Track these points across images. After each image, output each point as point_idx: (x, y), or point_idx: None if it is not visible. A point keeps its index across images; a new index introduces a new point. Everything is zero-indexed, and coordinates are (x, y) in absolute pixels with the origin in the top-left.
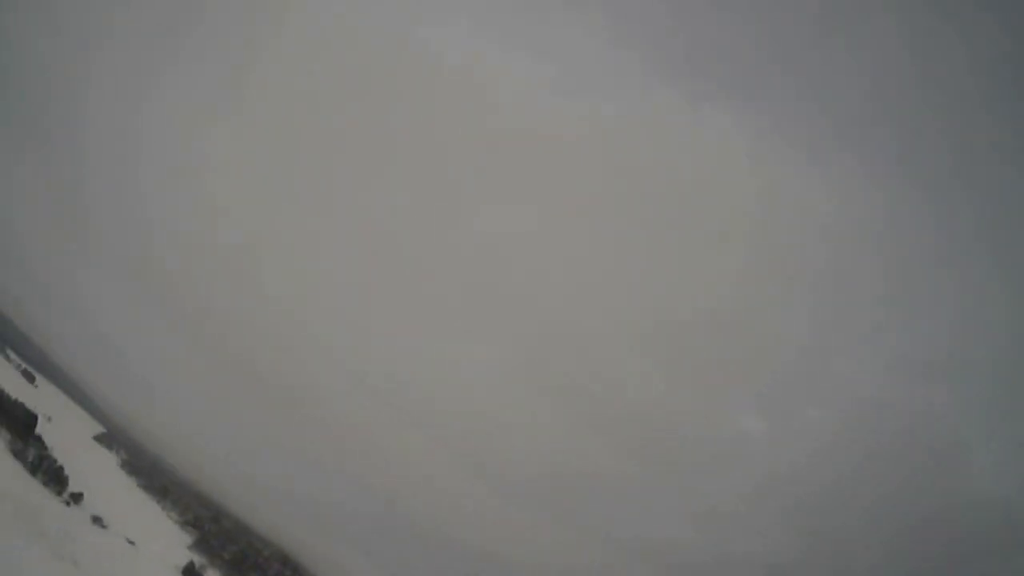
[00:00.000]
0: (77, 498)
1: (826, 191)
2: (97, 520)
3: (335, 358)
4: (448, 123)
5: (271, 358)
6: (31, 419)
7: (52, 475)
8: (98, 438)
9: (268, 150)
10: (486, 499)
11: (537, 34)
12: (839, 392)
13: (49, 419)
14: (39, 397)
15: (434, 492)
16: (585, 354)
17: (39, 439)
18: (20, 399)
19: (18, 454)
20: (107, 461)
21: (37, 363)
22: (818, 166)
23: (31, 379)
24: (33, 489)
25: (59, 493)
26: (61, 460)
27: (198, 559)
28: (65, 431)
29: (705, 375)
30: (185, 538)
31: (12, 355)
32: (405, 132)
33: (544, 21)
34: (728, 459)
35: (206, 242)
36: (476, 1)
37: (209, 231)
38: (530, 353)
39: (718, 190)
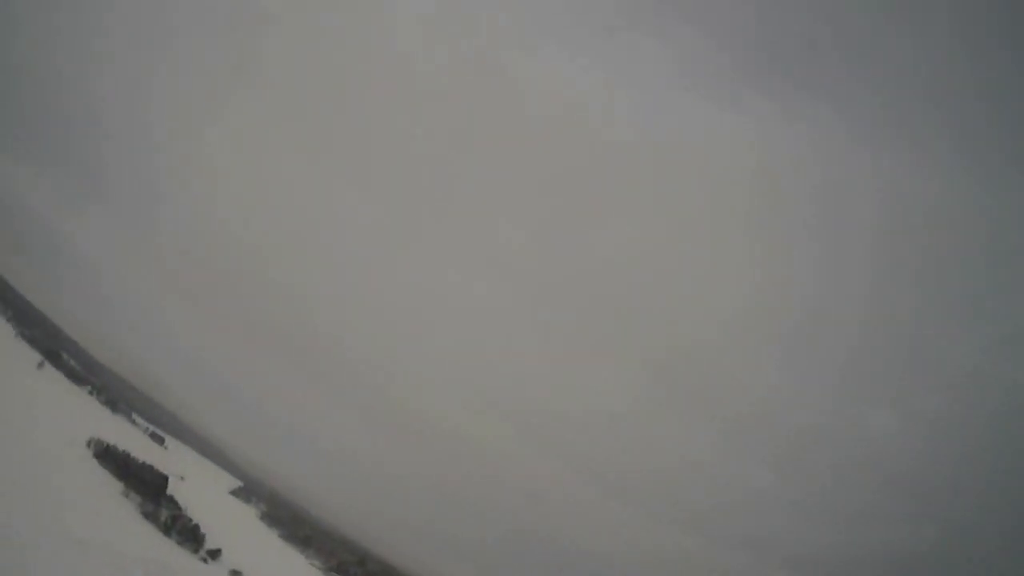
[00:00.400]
0: (215, 554)
1: (930, 180)
2: (236, 575)
3: (464, 386)
4: (562, 149)
5: (401, 394)
6: (161, 480)
7: (187, 534)
8: (235, 492)
9: (399, 202)
10: (622, 516)
11: (624, 59)
12: (960, 374)
13: (182, 478)
14: (170, 458)
15: (570, 512)
16: (709, 361)
17: (172, 499)
18: (149, 462)
19: (150, 516)
20: (246, 515)
21: (166, 425)
22: (923, 157)
23: (160, 441)
24: (168, 549)
25: (196, 551)
26: (196, 518)
27: None
28: (199, 489)
29: (828, 371)
30: None
31: (139, 420)
32: (524, 160)
33: (625, 46)
34: (858, 452)
35: (331, 286)
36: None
37: (338, 281)
38: (658, 367)
39: (823, 190)
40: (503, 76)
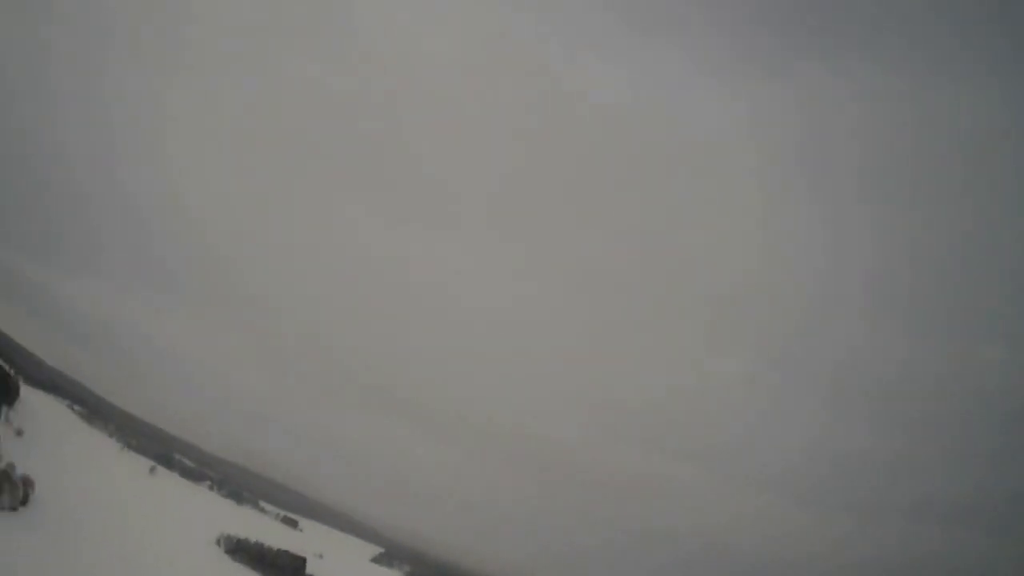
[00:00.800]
0: None
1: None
2: None
3: (583, 406)
4: (623, 150)
5: (522, 427)
6: (298, 563)
7: None
8: (377, 559)
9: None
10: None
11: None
12: None
13: (320, 557)
14: (306, 539)
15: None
16: (825, 336)
17: None
18: (283, 547)
19: None
20: None
21: (297, 506)
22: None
23: (294, 524)
24: None
25: None
26: None
27: None
28: (340, 563)
29: (937, 317)
30: None
31: (267, 506)
32: (589, 165)
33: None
34: (972, 392)
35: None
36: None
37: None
38: (775, 353)
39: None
40: (547, 83)
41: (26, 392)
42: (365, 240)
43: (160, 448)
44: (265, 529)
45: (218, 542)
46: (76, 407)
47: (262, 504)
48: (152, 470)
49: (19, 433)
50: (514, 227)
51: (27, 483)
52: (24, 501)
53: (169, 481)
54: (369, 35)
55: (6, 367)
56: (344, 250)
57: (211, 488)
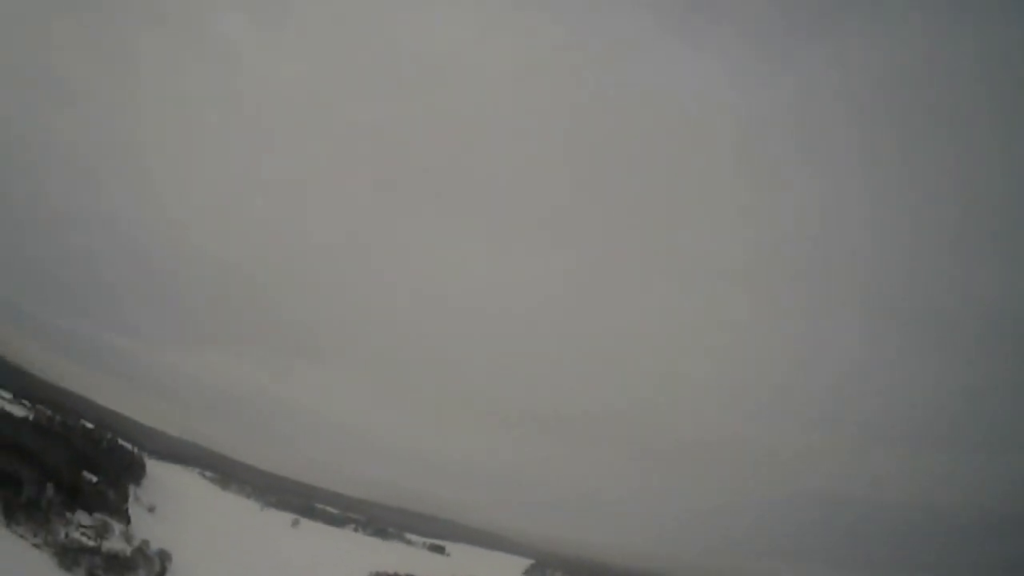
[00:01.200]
0: None
1: None
2: None
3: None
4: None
5: (659, 420)
6: None
7: None
8: (529, 571)
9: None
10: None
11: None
12: None
13: None
14: (455, 563)
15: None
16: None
17: None
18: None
19: None
20: None
21: (442, 532)
22: None
23: (441, 550)
24: None
25: None
26: None
27: None
28: None
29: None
30: None
31: (414, 537)
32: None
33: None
34: None
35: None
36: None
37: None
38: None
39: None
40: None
41: (153, 467)
42: (461, 259)
43: (301, 501)
44: (414, 560)
45: None
46: (207, 473)
47: (408, 536)
48: (295, 523)
49: (151, 509)
50: (596, 226)
51: (164, 557)
52: (162, 574)
53: (314, 531)
54: (409, 58)
55: (128, 446)
56: (442, 270)
57: (355, 530)
